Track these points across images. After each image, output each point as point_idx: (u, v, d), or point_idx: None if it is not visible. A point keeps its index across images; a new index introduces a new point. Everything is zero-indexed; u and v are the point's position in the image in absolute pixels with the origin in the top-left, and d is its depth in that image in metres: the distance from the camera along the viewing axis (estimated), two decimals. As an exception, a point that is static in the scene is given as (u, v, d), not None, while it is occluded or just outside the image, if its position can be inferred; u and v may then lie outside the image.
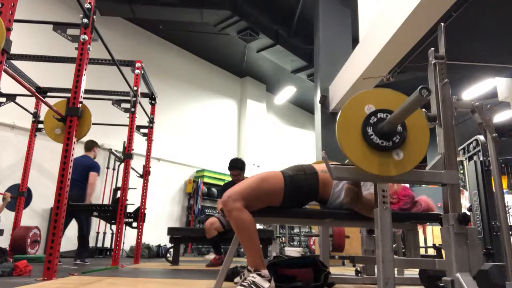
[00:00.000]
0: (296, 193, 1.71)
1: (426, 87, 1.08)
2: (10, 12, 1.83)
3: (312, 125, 11.13)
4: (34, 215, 5.90)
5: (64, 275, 2.42)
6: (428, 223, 6.63)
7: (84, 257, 4.36)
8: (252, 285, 1.50)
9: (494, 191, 1.68)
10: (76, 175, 4.31)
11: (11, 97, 4.47)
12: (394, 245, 2.91)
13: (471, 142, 3.09)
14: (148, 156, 4.85)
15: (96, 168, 4.63)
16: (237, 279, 1.88)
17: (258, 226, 5.64)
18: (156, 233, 7.45)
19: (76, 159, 4.41)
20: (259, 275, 1.55)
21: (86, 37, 2.58)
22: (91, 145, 4.82)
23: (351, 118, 1.28)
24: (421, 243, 7.47)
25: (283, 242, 7.09)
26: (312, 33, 7.55)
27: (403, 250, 2.83)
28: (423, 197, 1.86)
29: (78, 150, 2.79)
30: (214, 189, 9.10)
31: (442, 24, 1.48)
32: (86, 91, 3.18)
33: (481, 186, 2.88)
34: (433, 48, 1.45)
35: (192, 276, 2.71)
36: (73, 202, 4.14)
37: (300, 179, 1.72)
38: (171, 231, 4.44)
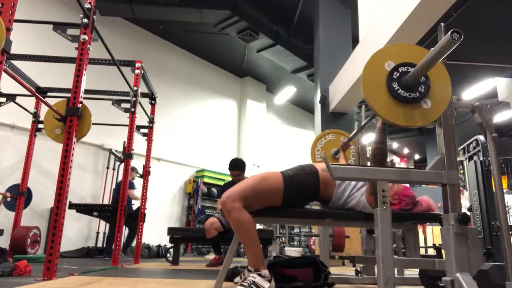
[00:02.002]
0: (296, 193, 1.71)
1: (457, 30, 1.08)
2: (10, 12, 1.83)
3: (312, 125, 11.13)
4: (34, 215, 5.90)
5: (64, 275, 2.42)
6: (428, 223, 6.63)
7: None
8: (252, 285, 1.50)
9: (494, 191, 1.68)
10: (117, 194, 5.48)
11: (11, 97, 4.47)
12: (394, 245, 2.91)
13: (471, 142, 3.09)
14: (148, 156, 4.85)
15: (131, 185, 5.68)
16: (237, 279, 1.88)
17: (258, 226, 5.64)
18: (156, 233, 7.45)
19: (119, 182, 5.86)
20: (259, 275, 1.55)
21: (86, 37, 2.57)
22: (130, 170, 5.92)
23: (375, 78, 1.31)
24: (421, 243, 7.47)
25: (283, 242, 7.08)
26: (312, 33, 7.55)
27: (403, 250, 2.83)
28: (425, 198, 1.86)
29: (78, 150, 2.79)
30: (214, 189, 9.10)
31: (442, 24, 1.48)
32: (86, 91, 3.18)
33: (481, 186, 2.88)
34: (433, 48, 1.44)
35: (192, 276, 2.71)
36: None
37: (300, 179, 1.72)
38: (171, 231, 4.44)
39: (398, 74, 1.30)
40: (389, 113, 1.26)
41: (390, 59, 1.33)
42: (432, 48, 1.21)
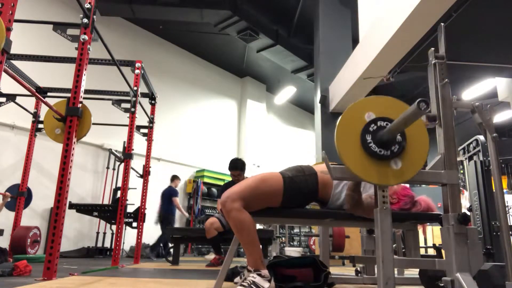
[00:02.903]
0: (295, 194, 1.71)
1: (424, 100, 1.07)
2: (10, 12, 1.83)
3: (312, 125, 11.14)
4: (34, 215, 5.90)
5: (64, 275, 2.42)
6: (428, 223, 6.63)
7: (154, 256, 6.04)
8: (252, 285, 1.50)
9: (494, 191, 1.68)
10: (164, 200, 6.38)
11: (11, 97, 4.47)
12: (394, 245, 2.90)
13: (471, 142, 3.08)
14: (148, 156, 4.85)
15: (175, 193, 6.50)
16: (237, 279, 1.88)
17: (258, 226, 5.65)
18: (156, 233, 7.44)
19: (164, 189, 6.56)
20: (259, 275, 1.55)
21: (86, 37, 2.57)
22: (173, 178, 6.84)
23: (351, 125, 1.27)
24: (421, 243, 7.47)
25: (283, 242, 7.08)
26: (312, 33, 7.55)
27: (403, 250, 2.83)
28: (423, 197, 1.86)
29: (78, 150, 2.79)
30: (214, 189, 9.10)
31: (442, 24, 1.48)
32: (86, 91, 3.18)
33: (481, 186, 2.88)
34: (433, 48, 1.45)
35: (192, 276, 2.71)
36: (162, 219, 6.24)
37: (299, 180, 1.72)
38: (171, 231, 4.44)
39: (375, 127, 1.26)
40: (359, 167, 1.22)
41: (372, 110, 1.29)
42: (403, 112, 1.19)
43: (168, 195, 6.36)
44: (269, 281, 1.57)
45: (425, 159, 1.29)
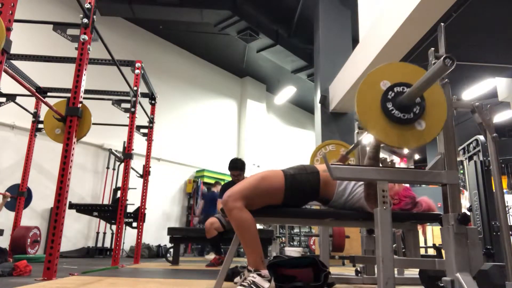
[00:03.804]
0: (297, 192, 1.71)
1: (449, 56, 1.07)
2: (10, 12, 1.83)
3: (312, 125, 11.13)
4: (34, 215, 5.90)
5: (64, 275, 2.42)
6: (428, 223, 6.62)
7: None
8: (252, 285, 1.50)
9: (494, 191, 1.68)
10: (206, 203, 6.92)
11: (11, 97, 4.47)
12: (394, 245, 2.90)
13: (471, 142, 3.08)
14: (148, 156, 4.85)
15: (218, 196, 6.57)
16: (237, 279, 1.88)
17: (258, 226, 5.64)
18: (156, 233, 7.45)
19: (208, 194, 7.03)
20: (259, 275, 1.55)
21: (86, 37, 2.57)
22: (215, 184, 7.22)
23: (369, 96, 1.29)
24: (421, 243, 7.47)
25: (283, 242, 7.08)
26: (312, 33, 7.55)
27: (403, 250, 2.83)
28: (425, 198, 1.86)
29: (78, 150, 2.79)
30: (214, 189, 9.09)
31: (442, 24, 1.48)
32: (86, 91, 3.18)
33: (481, 186, 2.88)
34: (433, 48, 1.45)
35: (192, 276, 2.71)
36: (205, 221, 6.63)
37: (301, 178, 1.72)
38: (171, 231, 4.44)
39: (393, 94, 1.28)
40: (382, 133, 1.25)
41: (386, 78, 1.31)
42: (426, 72, 1.20)
43: (211, 199, 6.81)
44: (269, 281, 1.57)
45: (444, 119, 1.31)
